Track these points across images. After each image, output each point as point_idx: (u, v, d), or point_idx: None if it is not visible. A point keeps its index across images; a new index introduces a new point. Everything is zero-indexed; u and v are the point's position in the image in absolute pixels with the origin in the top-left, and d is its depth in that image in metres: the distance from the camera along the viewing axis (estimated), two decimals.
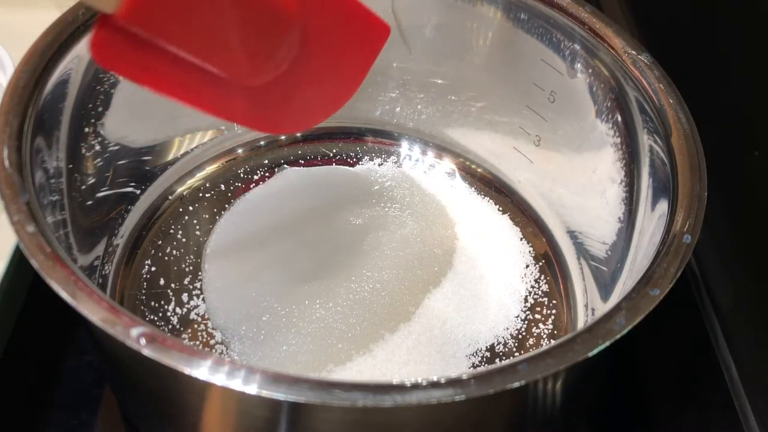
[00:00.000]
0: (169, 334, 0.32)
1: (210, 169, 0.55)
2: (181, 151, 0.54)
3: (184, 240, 0.51)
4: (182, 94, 0.31)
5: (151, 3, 0.28)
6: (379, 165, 0.56)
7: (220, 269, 0.49)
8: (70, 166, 0.43)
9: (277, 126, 0.33)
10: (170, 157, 0.53)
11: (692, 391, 0.44)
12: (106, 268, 0.47)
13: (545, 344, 0.47)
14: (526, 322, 0.48)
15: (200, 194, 0.53)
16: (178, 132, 0.53)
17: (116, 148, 0.48)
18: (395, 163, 0.57)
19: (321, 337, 0.45)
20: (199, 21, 0.29)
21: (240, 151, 0.56)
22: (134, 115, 0.49)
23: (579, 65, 0.48)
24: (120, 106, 0.47)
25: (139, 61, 0.29)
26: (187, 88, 0.31)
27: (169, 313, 0.46)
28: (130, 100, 0.48)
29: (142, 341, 0.30)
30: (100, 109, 0.46)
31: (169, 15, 0.28)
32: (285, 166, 0.56)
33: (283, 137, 0.57)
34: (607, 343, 0.32)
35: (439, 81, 0.56)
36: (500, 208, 0.54)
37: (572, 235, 0.51)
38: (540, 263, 0.51)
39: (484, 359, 0.46)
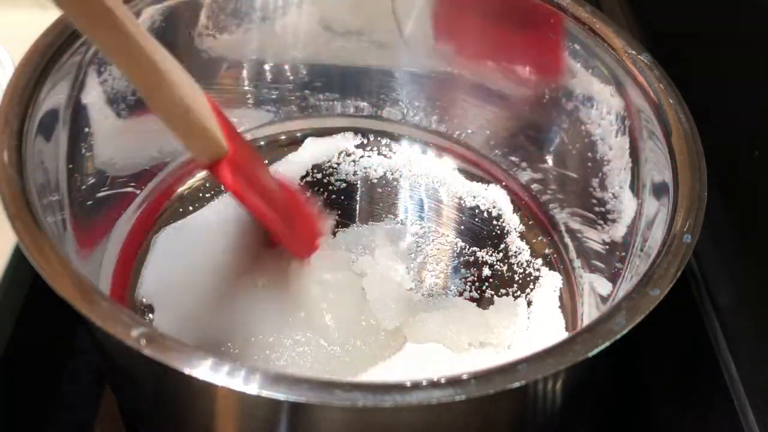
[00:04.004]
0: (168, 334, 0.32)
1: None
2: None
3: None
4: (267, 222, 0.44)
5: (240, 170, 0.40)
6: (378, 164, 0.57)
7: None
8: (70, 166, 0.43)
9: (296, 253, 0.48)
10: (170, 157, 0.53)
11: (692, 391, 0.44)
12: (106, 267, 0.47)
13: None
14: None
15: (200, 194, 0.53)
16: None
17: None
18: (395, 162, 0.57)
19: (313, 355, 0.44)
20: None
21: None
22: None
23: (579, 65, 0.48)
24: None
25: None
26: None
27: None
28: None
29: (142, 341, 0.30)
30: None
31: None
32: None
33: (283, 137, 0.57)
34: (607, 343, 0.32)
35: (440, 81, 0.56)
36: (500, 209, 0.54)
37: (573, 234, 0.51)
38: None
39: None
